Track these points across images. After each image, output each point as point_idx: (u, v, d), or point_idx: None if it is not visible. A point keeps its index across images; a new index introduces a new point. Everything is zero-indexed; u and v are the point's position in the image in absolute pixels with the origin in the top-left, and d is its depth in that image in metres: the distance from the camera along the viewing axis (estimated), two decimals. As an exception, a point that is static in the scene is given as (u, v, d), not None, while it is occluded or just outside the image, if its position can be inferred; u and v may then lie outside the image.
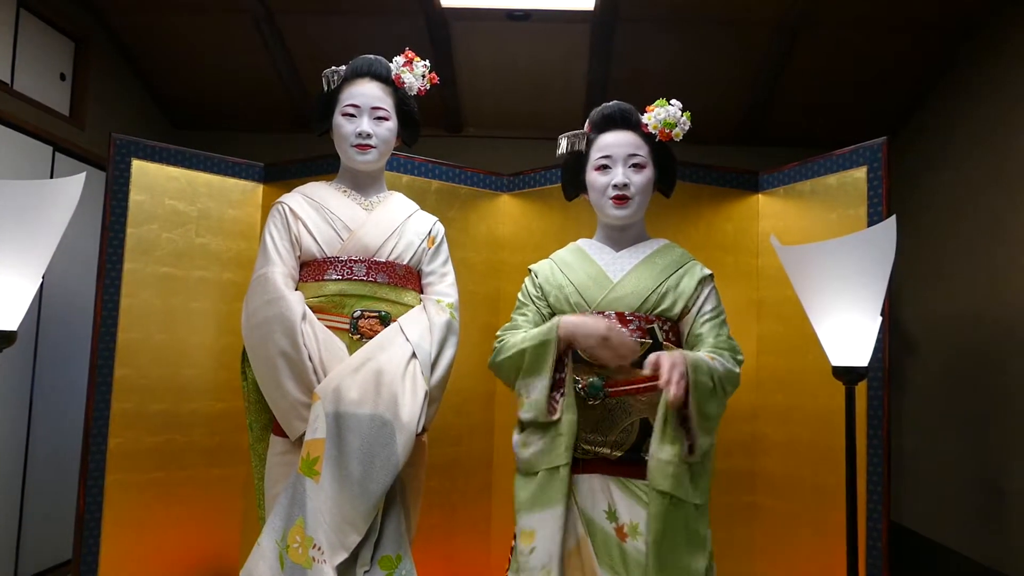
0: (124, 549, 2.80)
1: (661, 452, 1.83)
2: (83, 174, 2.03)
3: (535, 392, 1.93)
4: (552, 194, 3.06)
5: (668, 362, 1.77)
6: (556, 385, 1.93)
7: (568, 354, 1.94)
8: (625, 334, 1.87)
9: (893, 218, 2.08)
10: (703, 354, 1.90)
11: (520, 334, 2.02)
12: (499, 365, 2.05)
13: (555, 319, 1.95)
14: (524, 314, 2.12)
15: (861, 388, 2.51)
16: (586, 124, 2.16)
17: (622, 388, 1.93)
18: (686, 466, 1.83)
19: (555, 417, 1.91)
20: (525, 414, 1.95)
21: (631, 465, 1.90)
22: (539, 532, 1.87)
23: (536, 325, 2.07)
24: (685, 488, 1.82)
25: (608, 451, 1.92)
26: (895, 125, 4.17)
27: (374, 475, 1.88)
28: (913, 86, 3.94)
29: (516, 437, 1.99)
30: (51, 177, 3.32)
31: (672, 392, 1.75)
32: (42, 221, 1.94)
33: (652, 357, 1.80)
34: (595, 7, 3.59)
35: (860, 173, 2.64)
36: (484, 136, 4.63)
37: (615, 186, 2.04)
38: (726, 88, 4.11)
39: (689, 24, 3.74)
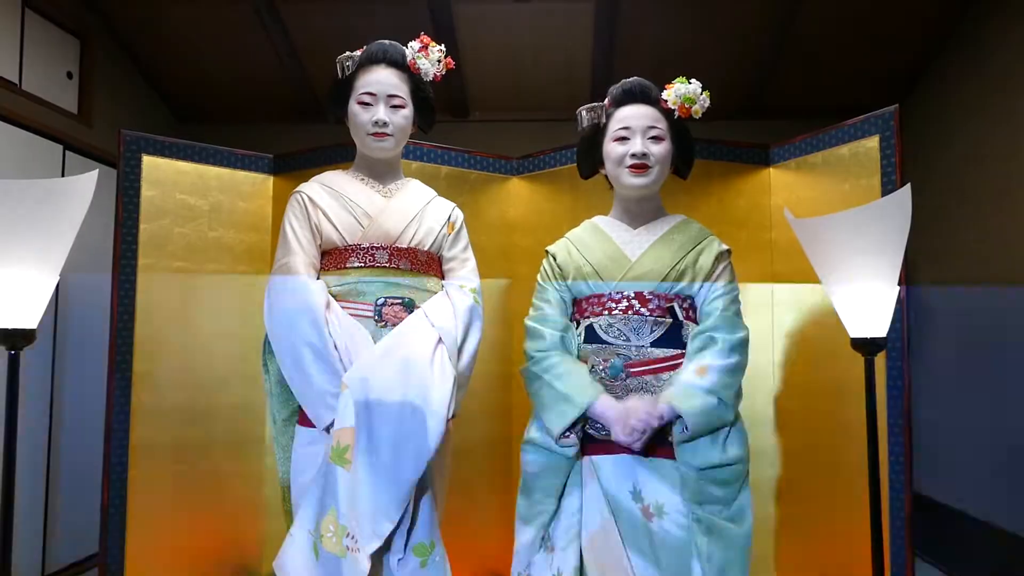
0: (150, 542, 2.83)
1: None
2: (95, 171, 2.03)
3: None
4: (562, 175, 3.06)
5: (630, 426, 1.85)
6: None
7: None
8: (640, 410, 1.88)
9: (908, 187, 2.06)
10: (684, 379, 1.91)
11: (561, 360, 2.00)
12: (528, 378, 2.05)
13: (590, 399, 1.91)
14: (547, 300, 2.10)
15: (880, 359, 2.51)
16: (606, 99, 2.16)
17: (643, 368, 1.93)
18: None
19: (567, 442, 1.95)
20: (535, 433, 2.01)
21: (654, 445, 1.90)
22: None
23: (559, 308, 2.08)
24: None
25: (631, 432, 1.92)
26: (903, 91, 4.13)
27: (406, 462, 1.89)
28: (919, 50, 3.90)
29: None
30: (62, 176, 3.33)
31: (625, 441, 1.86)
32: (57, 219, 1.93)
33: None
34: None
35: (872, 142, 2.62)
36: (491, 120, 4.61)
37: (633, 155, 2.03)
38: (731, 62, 4.07)
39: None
